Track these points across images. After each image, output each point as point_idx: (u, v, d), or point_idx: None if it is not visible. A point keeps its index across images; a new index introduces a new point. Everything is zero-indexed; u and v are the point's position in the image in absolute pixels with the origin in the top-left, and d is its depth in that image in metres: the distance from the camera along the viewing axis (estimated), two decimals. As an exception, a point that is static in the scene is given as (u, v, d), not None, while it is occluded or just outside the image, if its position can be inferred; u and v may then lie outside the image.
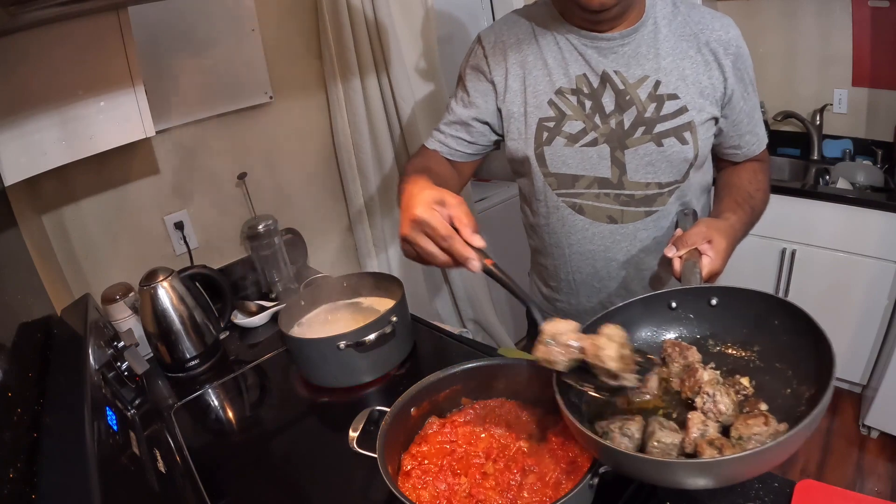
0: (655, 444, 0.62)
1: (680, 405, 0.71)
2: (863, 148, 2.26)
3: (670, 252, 0.86)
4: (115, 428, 0.82)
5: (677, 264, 0.84)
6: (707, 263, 0.83)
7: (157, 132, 1.24)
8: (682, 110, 0.94)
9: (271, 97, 1.63)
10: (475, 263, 0.71)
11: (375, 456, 0.73)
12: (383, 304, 1.24)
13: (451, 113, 1.07)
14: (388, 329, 1.09)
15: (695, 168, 0.99)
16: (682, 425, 0.65)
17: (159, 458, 0.91)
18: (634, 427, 0.65)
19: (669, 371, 0.74)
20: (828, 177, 2.21)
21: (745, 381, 0.70)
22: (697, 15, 0.95)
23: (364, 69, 1.70)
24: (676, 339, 0.79)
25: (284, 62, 1.64)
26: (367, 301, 1.29)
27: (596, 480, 0.67)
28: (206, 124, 1.54)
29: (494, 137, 1.08)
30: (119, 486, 0.68)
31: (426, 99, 1.88)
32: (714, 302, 0.77)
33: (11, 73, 1.02)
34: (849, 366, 2.15)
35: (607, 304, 1.09)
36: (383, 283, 1.27)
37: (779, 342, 0.71)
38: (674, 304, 0.80)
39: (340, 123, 1.74)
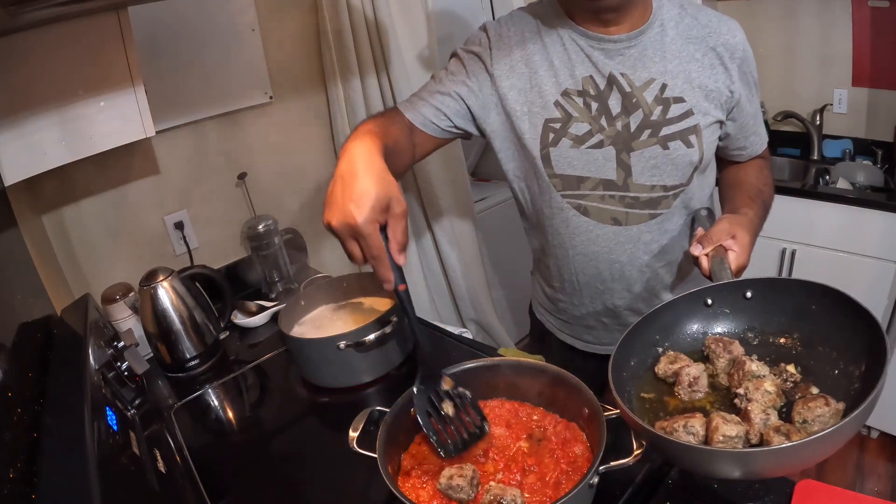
0: (721, 438, 0.63)
1: (730, 399, 0.72)
2: (863, 148, 2.26)
3: (696, 250, 0.86)
4: (115, 428, 0.82)
5: (705, 262, 0.85)
6: (734, 258, 0.83)
7: (157, 132, 1.24)
8: (688, 114, 0.94)
9: (271, 97, 1.63)
10: (389, 287, 0.72)
11: (375, 456, 0.73)
12: (383, 304, 1.24)
13: (438, 83, 1.00)
14: (388, 329, 1.09)
15: (699, 171, 0.99)
16: (743, 418, 0.65)
17: (159, 458, 0.91)
18: (698, 424, 0.65)
19: (716, 367, 0.75)
20: (828, 177, 2.21)
21: (790, 368, 0.71)
22: (705, 18, 0.95)
23: (364, 69, 1.70)
24: (718, 335, 0.80)
25: (284, 62, 1.64)
26: (367, 301, 1.29)
27: (596, 480, 0.67)
28: (206, 124, 1.54)
29: (469, 126, 1.02)
30: (119, 486, 0.68)
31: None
32: (749, 295, 0.79)
33: (12, 73, 1.02)
34: (849, 366, 2.15)
35: (610, 305, 1.09)
36: (383, 283, 1.27)
37: (819, 326, 0.72)
38: (709, 302, 0.81)
39: (340, 123, 1.74)
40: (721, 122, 0.98)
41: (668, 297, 1.09)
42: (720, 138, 1.01)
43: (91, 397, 0.78)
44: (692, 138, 0.95)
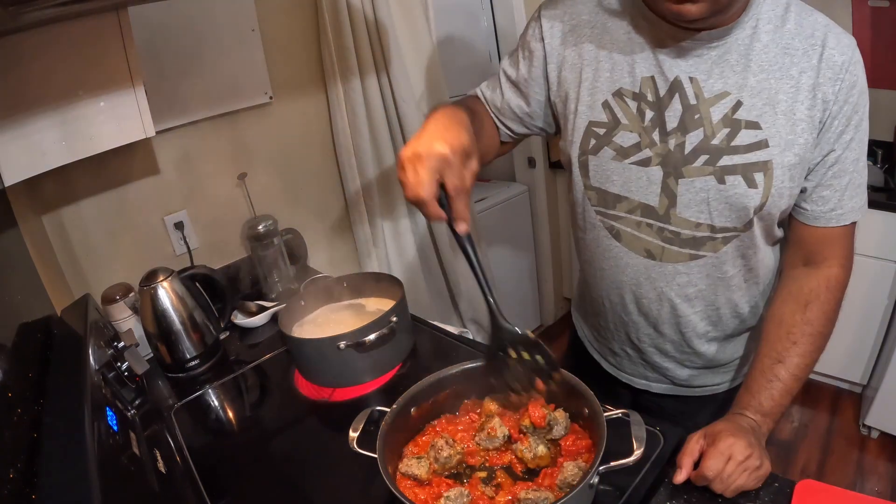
0: None
1: None
2: (863, 148, 2.26)
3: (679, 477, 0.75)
4: (115, 428, 0.82)
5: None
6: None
7: (157, 132, 1.23)
8: (761, 144, 0.76)
9: (271, 97, 1.63)
10: (464, 226, 0.71)
11: (375, 456, 0.73)
12: (383, 304, 1.24)
13: (512, 86, 0.94)
14: (388, 329, 1.09)
15: (760, 217, 0.81)
16: None
17: (159, 458, 0.91)
18: (454, 493, 0.70)
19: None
20: (828, 177, 2.21)
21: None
22: (810, 25, 0.75)
23: (364, 69, 1.70)
24: None
25: (284, 62, 1.64)
26: (367, 301, 1.29)
27: (596, 480, 0.67)
28: (207, 124, 1.54)
29: (541, 124, 0.97)
30: (119, 486, 0.68)
31: (426, 99, 1.88)
32: None
33: (12, 74, 1.02)
34: (849, 366, 2.15)
35: (634, 338, 1.00)
36: (383, 283, 1.27)
37: None
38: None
39: (340, 123, 1.74)
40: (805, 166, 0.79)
41: (703, 347, 0.95)
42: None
43: (91, 397, 0.77)
44: (758, 176, 0.76)
